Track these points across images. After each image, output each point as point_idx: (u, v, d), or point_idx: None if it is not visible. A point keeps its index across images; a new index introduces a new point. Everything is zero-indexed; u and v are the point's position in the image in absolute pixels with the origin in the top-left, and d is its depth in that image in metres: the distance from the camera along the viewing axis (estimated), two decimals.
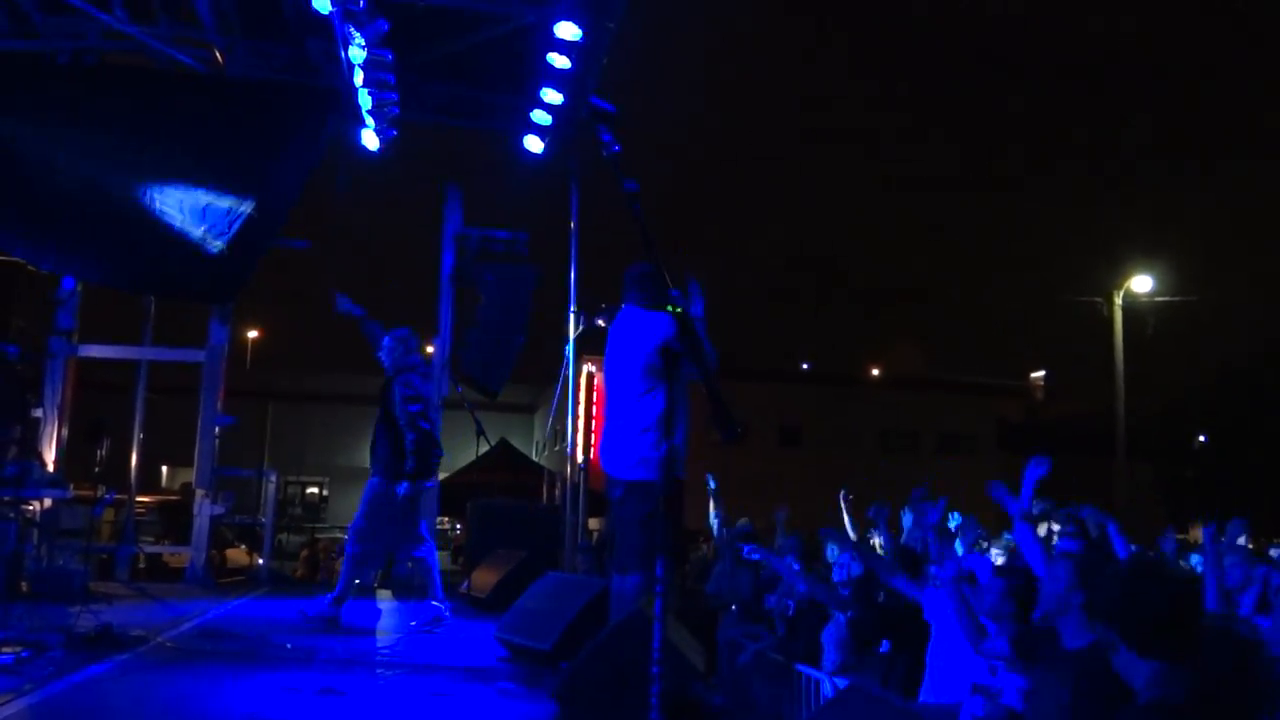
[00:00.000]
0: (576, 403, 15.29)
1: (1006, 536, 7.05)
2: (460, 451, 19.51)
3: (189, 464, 11.23)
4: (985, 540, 7.75)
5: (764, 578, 8.20)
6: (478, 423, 11.28)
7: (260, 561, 12.56)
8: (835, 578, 6.98)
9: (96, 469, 9.75)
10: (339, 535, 20.48)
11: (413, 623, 7.50)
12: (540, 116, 10.36)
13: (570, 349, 11.18)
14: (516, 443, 27.80)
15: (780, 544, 8.56)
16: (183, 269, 9.72)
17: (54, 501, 9.02)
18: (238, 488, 12.86)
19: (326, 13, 8.37)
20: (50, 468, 9.38)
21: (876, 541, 7.79)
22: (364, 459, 7.58)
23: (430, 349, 11.63)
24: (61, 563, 8.77)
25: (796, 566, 7.80)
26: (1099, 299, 26.32)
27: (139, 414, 11.49)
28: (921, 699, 5.14)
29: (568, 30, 8.96)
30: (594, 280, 11.06)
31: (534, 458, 31.16)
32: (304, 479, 35.02)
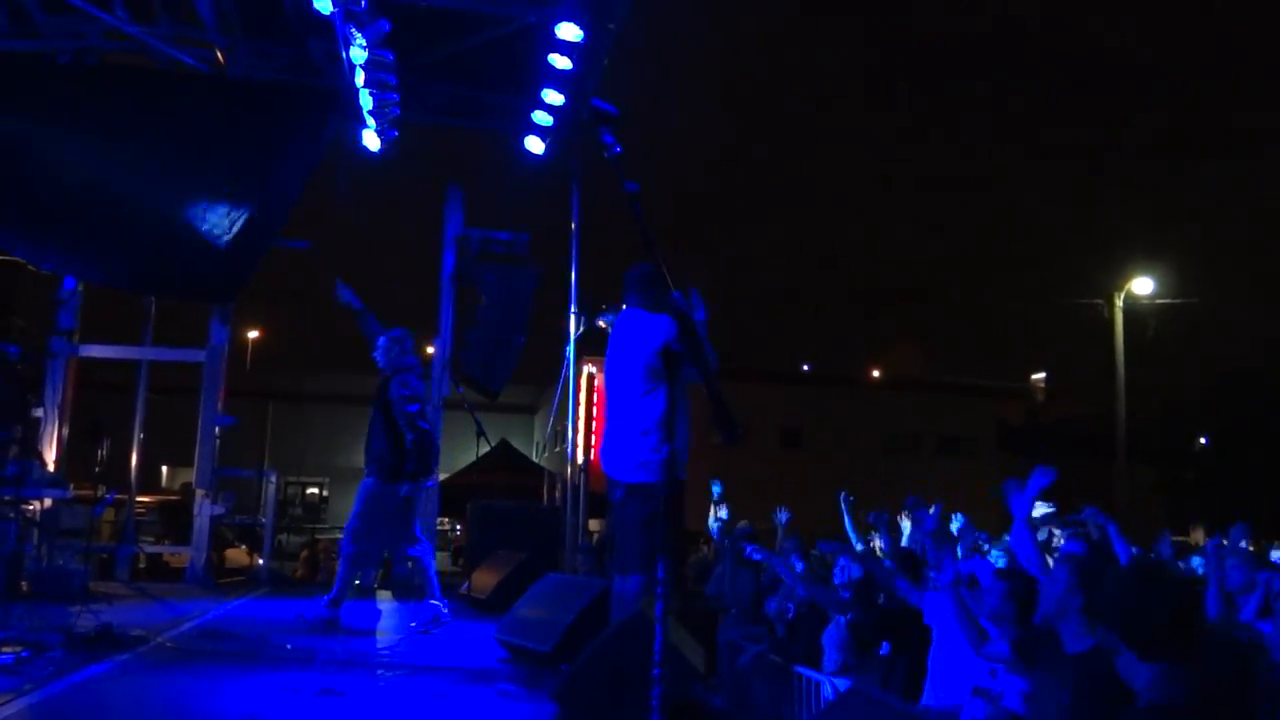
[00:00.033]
0: (577, 404, 15.26)
1: (1008, 539, 7.05)
2: (461, 452, 19.55)
3: (189, 464, 11.23)
4: (987, 543, 7.75)
5: (764, 581, 8.20)
6: (478, 423, 11.29)
7: (260, 562, 12.57)
8: (835, 580, 6.98)
9: (97, 469, 9.75)
10: (339, 536, 20.46)
11: (413, 624, 7.49)
12: (541, 117, 10.36)
13: (571, 350, 11.18)
14: (517, 444, 27.80)
15: (781, 546, 8.56)
16: (183, 269, 9.73)
17: (54, 501, 9.03)
18: (238, 488, 12.86)
19: (328, 13, 8.36)
20: (50, 468, 9.38)
21: (876, 544, 7.80)
22: (363, 459, 7.57)
23: (431, 349, 11.63)
24: (61, 563, 8.77)
25: (800, 566, 7.80)
26: (1100, 301, 26.34)
27: (139, 414, 11.49)
28: (923, 702, 5.13)
29: (569, 31, 8.96)
30: (595, 281, 11.06)
31: (534, 459, 31.16)
32: (304, 479, 35.03)
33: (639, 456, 4.84)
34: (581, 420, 15.67)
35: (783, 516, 9.22)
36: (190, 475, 11.55)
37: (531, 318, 10.99)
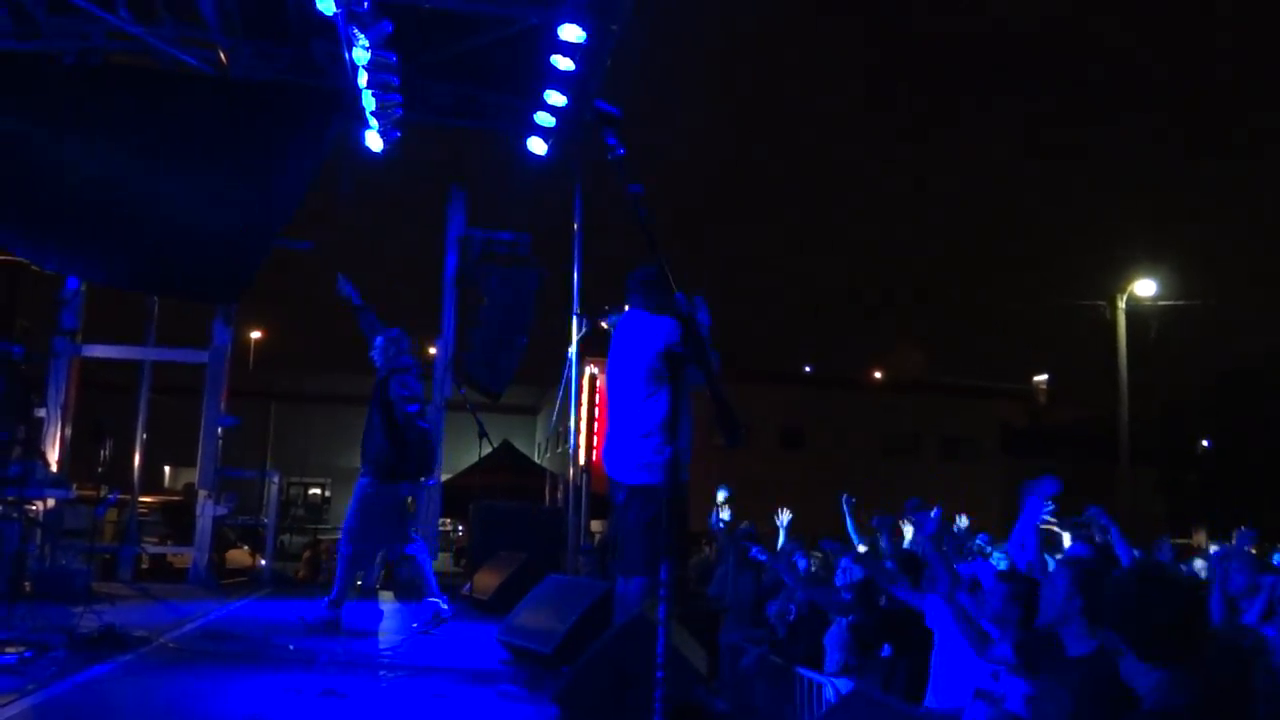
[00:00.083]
0: (579, 405, 15.27)
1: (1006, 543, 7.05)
2: (463, 453, 19.56)
3: (192, 464, 11.25)
4: (989, 545, 7.76)
5: (765, 584, 8.20)
6: (480, 424, 11.29)
7: (263, 562, 12.58)
8: (837, 582, 6.98)
9: (100, 469, 9.78)
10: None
11: (415, 625, 7.49)
12: (544, 118, 10.36)
13: (573, 351, 11.19)
14: (519, 444, 27.80)
15: (782, 547, 8.57)
16: (186, 269, 9.73)
17: (57, 501, 9.04)
18: (240, 489, 12.88)
19: (331, 14, 8.37)
20: (54, 468, 9.39)
21: (880, 547, 7.79)
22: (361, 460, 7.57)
23: (433, 350, 11.64)
24: (64, 563, 8.78)
25: (803, 563, 7.81)
26: (1102, 303, 26.33)
27: (142, 414, 11.49)
28: (925, 704, 5.13)
29: (572, 32, 8.97)
30: (597, 283, 11.07)
31: (536, 460, 31.17)
32: (306, 480, 35.09)
33: (641, 458, 4.84)
34: (583, 422, 15.68)
35: (784, 518, 9.23)
36: (193, 476, 11.57)
37: (534, 319, 11.00)
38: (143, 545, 11.36)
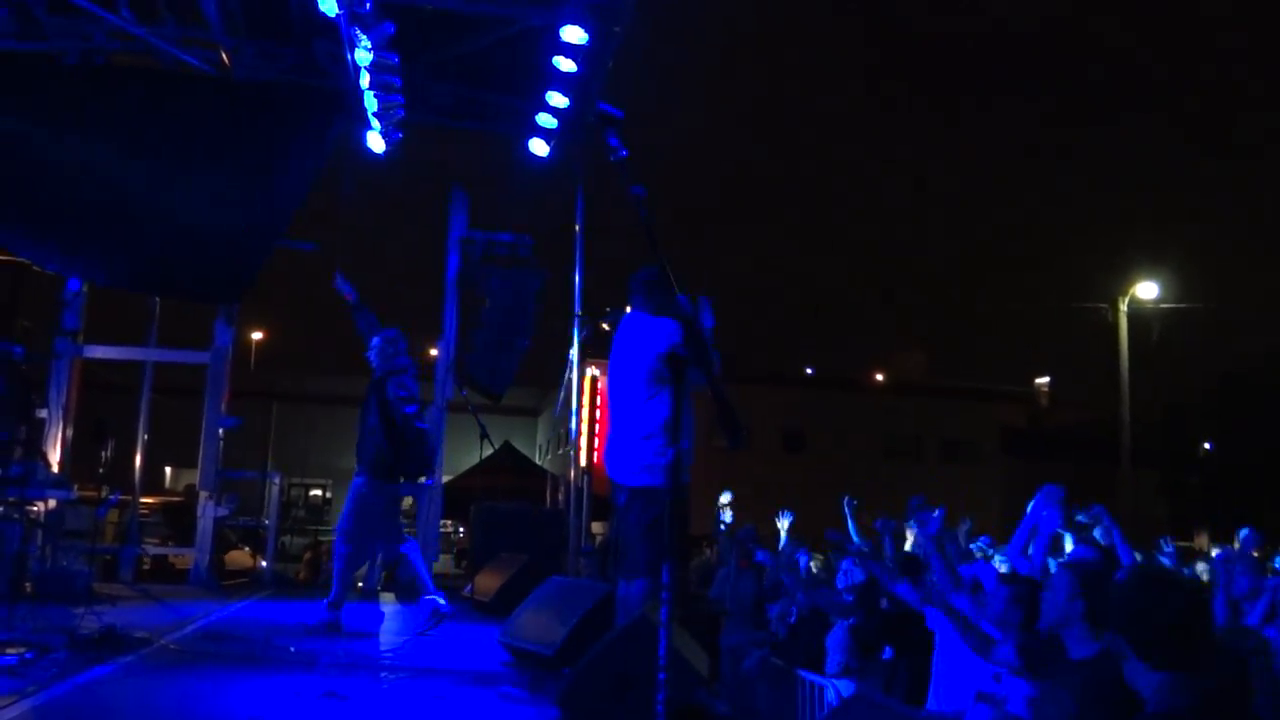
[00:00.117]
0: (580, 407, 15.28)
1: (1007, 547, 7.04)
2: (464, 454, 19.56)
3: (193, 465, 11.25)
4: (990, 547, 7.75)
5: (766, 585, 8.20)
6: (481, 426, 11.29)
7: (263, 564, 12.58)
8: (839, 584, 6.98)
9: (101, 470, 9.78)
10: None
11: (418, 629, 7.47)
12: (546, 120, 10.36)
13: (574, 353, 11.18)
14: (520, 446, 27.83)
15: (784, 549, 8.57)
16: (187, 270, 9.74)
17: (58, 502, 9.03)
18: (241, 490, 12.89)
19: (333, 15, 8.37)
20: (55, 468, 9.38)
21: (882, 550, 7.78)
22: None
23: (434, 351, 11.64)
24: (65, 564, 8.77)
25: (804, 560, 7.80)
26: (1104, 305, 26.31)
27: (143, 415, 11.49)
28: (927, 707, 5.12)
29: (574, 34, 8.96)
30: (599, 284, 11.07)
31: (537, 461, 31.17)
32: (307, 481, 35.11)
33: (642, 460, 4.83)
34: (585, 423, 15.65)
35: (786, 519, 9.23)
36: (194, 477, 11.57)
37: (536, 320, 10.99)
38: (144, 546, 11.36)
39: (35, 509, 8.60)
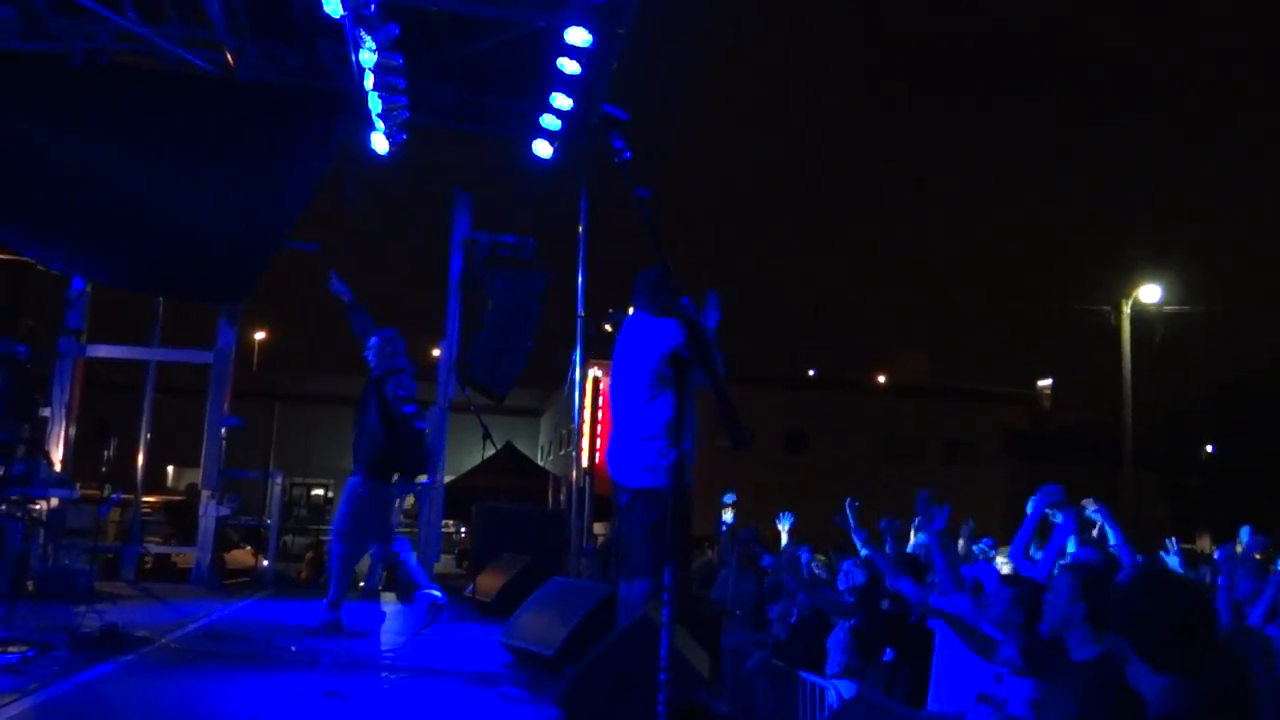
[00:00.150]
0: (582, 407, 15.30)
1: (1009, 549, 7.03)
2: (466, 455, 19.56)
3: (195, 465, 11.27)
4: (993, 549, 7.75)
5: (767, 586, 8.19)
6: (484, 426, 11.28)
7: (265, 563, 12.59)
8: (840, 585, 6.97)
9: (103, 469, 9.79)
10: None
11: (418, 629, 7.47)
12: (550, 121, 10.37)
13: (577, 354, 11.19)
14: (522, 446, 27.82)
15: (785, 550, 8.56)
16: (191, 270, 9.75)
17: (60, 501, 9.05)
18: (243, 489, 12.90)
19: (338, 16, 8.38)
20: (57, 467, 9.40)
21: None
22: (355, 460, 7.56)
23: (437, 352, 11.65)
24: (67, 562, 8.79)
25: (806, 556, 7.79)
26: (1107, 308, 26.29)
27: (146, 414, 11.51)
28: (928, 708, 5.12)
29: (578, 35, 8.97)
30: (602, 286, 11.08)
31: (539, 462, 31.17)
32: (309, 481, 35.08)
33: (645, 461, 4.83)
34: (587, 424, 15.66)
35: (786, 521, 9.22)
36: (196, 476, 11.58)
37: (538, 322, 10.99)
38: (146, 545, 11.37)
39: (38, 507, 8.62)
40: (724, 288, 5.09)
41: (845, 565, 7.11)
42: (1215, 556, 4.92)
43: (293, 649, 6.27)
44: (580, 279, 11.09)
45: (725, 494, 9.83)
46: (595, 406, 16.60)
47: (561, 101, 9.97)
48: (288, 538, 21.94)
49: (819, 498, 15.07)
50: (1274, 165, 75.51)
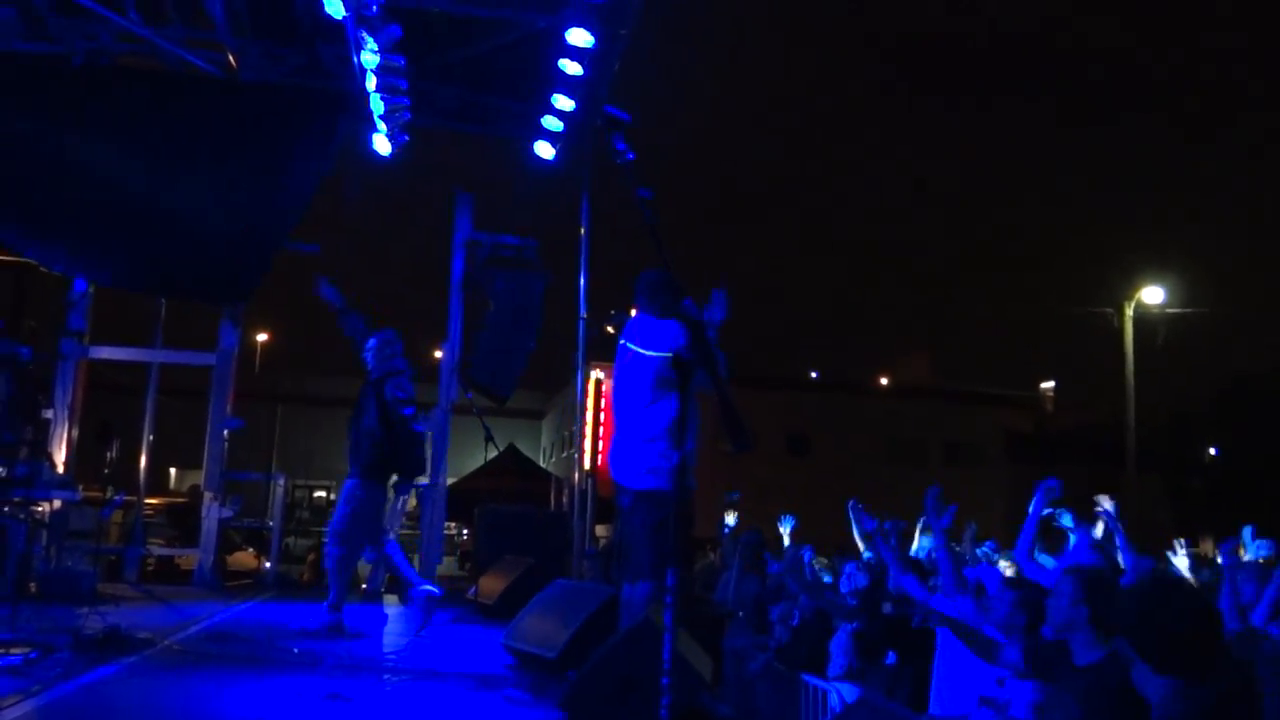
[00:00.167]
0: (585, 409, 15.32)
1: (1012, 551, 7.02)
2: (468, 457, 19.56)
3: (198, 466, 11.27)
4: (995, 552, 7.73)
5: (769, 587, 8.18)
6: (486, 428, 11.27)
7: (267, 565, 12.59)
8: (842, 588, 6.96)
9: (106, 471, 9.78)
10: None
11: (418, 626, 7.47)
12: (551, 123, 10.37)
13: (580, 356, 11.18)
14: (524, 448, 27.82)
15: (788, 552, 8.55)
16: (193, 271, 9.76)
17: (63, 503, 9.06)
18: (246, 491, 12.90)
19: (339, 17, 8.38)
20: (60, 469, 9.41)
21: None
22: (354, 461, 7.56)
23: (439, 354, 11.65)
24: (70, 564, 8.80)
25: (809, 556, 7.78)
26: (1109, 310, 26.25)
27: (149, 416, 11.52)
28: (930, 711, 5.11)
29: (580, 37, 8.97)
30: (604, 287, 11.07)
31: (541, 463, 31.18)
32: (311, 483, 35.08)
33: (647, 463, 4.82)
34: (589, 426, 15.67)
35: (787, 525, 9.21)
36: (199, 478, 11.58)
37: (540, 323, 10.99)
38: (148, 547, 11.39)
39: (40, 509, 8.62)
40: (725, 288, 5.08)
41: (847, 568, 7.09)
42: (1219, 560, 4.89)
43: (295, 651, 6.27)
44: (582, 280, 11.08)
45: (729, 492, 9.82)
46: (597, 408, 16.62)
47: (563, 102, 9.97)
48: (290, 540, 21.96)
49: (821, 499, 15.09)
50: (1274, 165, 75.48)
